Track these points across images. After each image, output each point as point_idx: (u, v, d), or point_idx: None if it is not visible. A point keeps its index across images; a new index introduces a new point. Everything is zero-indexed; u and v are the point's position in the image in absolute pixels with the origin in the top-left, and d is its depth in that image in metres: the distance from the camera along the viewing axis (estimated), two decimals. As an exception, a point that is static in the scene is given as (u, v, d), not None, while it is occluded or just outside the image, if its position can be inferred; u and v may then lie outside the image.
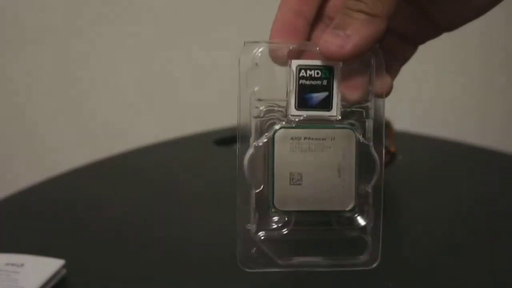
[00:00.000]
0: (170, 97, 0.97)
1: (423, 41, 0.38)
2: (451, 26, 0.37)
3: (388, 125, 0.58)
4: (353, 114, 0.35)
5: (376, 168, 0.34)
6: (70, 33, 0.94)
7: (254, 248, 0.35)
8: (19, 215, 0.56)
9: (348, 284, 0.44)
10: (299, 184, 0.34)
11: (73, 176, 0.65)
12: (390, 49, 0.37)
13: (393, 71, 0.37)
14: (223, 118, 0.82)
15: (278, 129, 0.34)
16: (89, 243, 0.50)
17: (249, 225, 0.35)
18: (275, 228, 0.35)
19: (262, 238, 0.35)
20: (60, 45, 0.94)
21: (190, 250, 0.49)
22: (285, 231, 0.35)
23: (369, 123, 0.35)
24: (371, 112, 0.35)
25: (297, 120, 0.34)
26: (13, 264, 0.43)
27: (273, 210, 0.35)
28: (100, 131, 0.98)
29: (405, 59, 0.38)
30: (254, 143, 0.34)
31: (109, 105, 0.98)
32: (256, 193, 0.35)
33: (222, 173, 0.65)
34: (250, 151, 0.34)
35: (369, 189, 0.35)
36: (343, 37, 0.31)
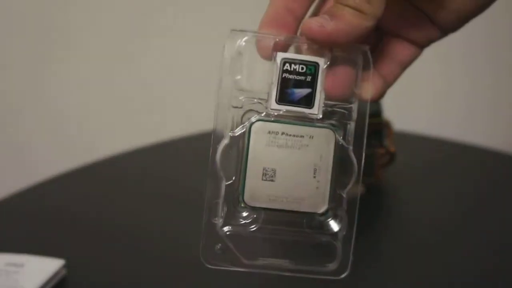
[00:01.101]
0: (170, 97, 0.97)
1: (425, 42, 0.37)
2: (451, 25, 0.36)
3: (388, 125, 0.58)
4: (335, 114, 0.33)
5: (354, 173, 0.33)
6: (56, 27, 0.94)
7: (219, 244, 0.34)
8: (19, 216, 0.56)
9: None
10: (272, 181, 0.33)
11: (73, 177, 0.65)
12: (388, 52, 0.37)
13: (391, 74, 0.37)
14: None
15: (255, 121, 0.33)
16: (89, 243, 0.50)
17: (216, 218, 0.33)
18: (242, 224, 0.33)
19: (228, 233, 0.33)
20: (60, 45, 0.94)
21: (190, 250, 0.49)
22: (252, 228, 0.33)
23: (351, 126, 0.33)
24: (354, 115, 0.33)
25: (276, 114, 0.32)
26: (13, 264, 0.43)
27: (242, 205, 0.33)
28: (99, 132, 0.98)
29: (406, 62, 0.37)
30: (230, 133, 0.33)
31: (108, 105, 0.98)
32: (226, 185, 0.33)
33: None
34: (225, 141, 0.33)
35: (344, 194, 0.33)
36: (327, 19, 0.31)
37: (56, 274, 0.43)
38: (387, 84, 0.36)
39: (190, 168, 0.67)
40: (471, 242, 0.49)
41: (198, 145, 0.76)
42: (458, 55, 0.89)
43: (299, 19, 0.34)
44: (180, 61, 0.95)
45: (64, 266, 0.44)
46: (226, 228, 0.33)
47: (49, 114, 0.99)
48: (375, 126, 0.56)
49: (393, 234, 0.52)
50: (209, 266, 0.34)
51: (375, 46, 0.36)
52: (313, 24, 0.31)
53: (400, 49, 0.37)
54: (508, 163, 0.66)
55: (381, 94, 0.36)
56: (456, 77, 0.91)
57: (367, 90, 0.34)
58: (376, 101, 0.35)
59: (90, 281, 0.45)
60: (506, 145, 0.79)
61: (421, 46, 0.37)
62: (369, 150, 0.56)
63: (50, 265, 0.43)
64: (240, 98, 0.33)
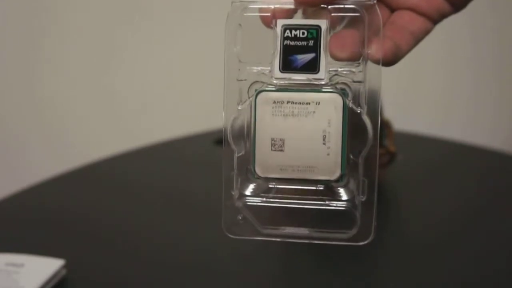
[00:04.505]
0: (169, 97, 0.97)
1: (436, 16, 0.36)
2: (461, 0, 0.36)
3: (388, 125, 0.58)
4: (343, 78, 0.32)
5: (368, 137, 0.31)
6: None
7: (241, 215, 0.34)
8: (19, 216, 0.56)
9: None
10: (281, 151, 0.32)
11: (73, 178, 0.65)
12: (400, 22, 0.35)
13: (403, 41, 0.35)
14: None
15: (260, 92, 0.32)
16: (89, 243, 0.50)
17: (233, 190, 0.34)
18: (256, 195, 0.33)
19: (245, 204, 0.33)
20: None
21: (189, 250, 0.49)
22: (267, 198, 0.33)
23: (362, 89, 0.32)
24: (364, 76, 0.31)
25: (281, 82, 0.32)
26: (13, 264, 0.43)
27: (255, 176, 0.33)
28: (100, 132, 0.98)
29: (418, 33, 0.36)
30: (238, 107, 0.33)
31: (108, 105, 0.98)
32: (238, 158, 0.33)
33: (222, 173, 0.65)
34: (233, 115, 0.33)
35: (359, 159, 0.32)
36: None
37: (56, 274, 0.43)
38: (399, 49, 0.34)
39: (190, 169, 0.67)
40: (471, 242, 0.49)
41: (198, 146, 0.76)
42: (459, 56, 0.89)
43: None
44: (179, 61, 0.95)
45: (64, 266, 0.44)
46: (243, 199, 0.33)
47: (48, 115, 0.99)
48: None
49: (393, 234, 0.52)
50: (231, 236, 0.34)
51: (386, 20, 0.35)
52: None
53: (412, 20, 0.36)
54: (509, 163, 0.66)
55: (393, 57, 0.33)
56: (456, 77, 0.91)
57: (377, 48, 0.32)
58: (388, 65, 0.33)
59: (90, 281, 0.45)
60: (507, 145, 0.79)
61: (433, 20, 0.36)
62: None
63: (50, 265, 0.43)
64: (245, 70, 0.32)
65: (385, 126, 0.58)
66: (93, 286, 0.45)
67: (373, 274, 0.45)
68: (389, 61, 0.33)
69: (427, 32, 0.36)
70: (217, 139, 0.76)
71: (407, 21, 0.36)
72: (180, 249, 0.49)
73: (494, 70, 0.90)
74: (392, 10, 0.36)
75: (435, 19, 0.36)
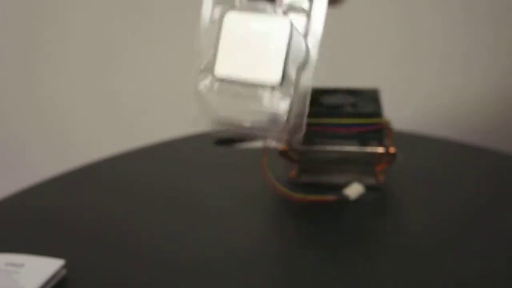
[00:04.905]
0: (169, 97, 0.97)
1: None
2: None
3: (388, 125, 0.58)
4: (292, 9, 0.39)
5: (308, 57, 0.39)
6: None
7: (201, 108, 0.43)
8: (19, 216, 0.56)
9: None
10: (235, 57, 0.40)
11: (73, 178, 0.65)
12: None
13: None
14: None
15: (229, 11, 0.40)
16: (89, 243, 0.50)
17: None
18: (208, 88, 0.42)
19: (202, 95, 0.43)
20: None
21: (189, 250, 0.49)
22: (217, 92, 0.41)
23: (308, 23, 0.39)
24: (308, 8, 0.39)
25: (245, 6, 0.40)
26: (13, 264, 0.43)
27: (212, 74, 0.41)
28: (100, 132, 0.98)
29: None
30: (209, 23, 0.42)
31: (108, 105, 0.98)
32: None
33: (222, 173, 0.65)
34: (205, 30, 0.42)
35: (294, 73, 0.39)
36: None
37: (56, 274, 0.43)
38: None
39: (190, 169, 0.67)
40: (471, 242, 0.49)
41: (198, 146, 0.76)
42: (458, 56, 0.89)
43: None
44: (179, 61, 0.95)
45: (64, 266, 0.44)
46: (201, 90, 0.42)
47: (48, 115, 0.99)
48: (375, 126, 0.56)
49: (393, 234, 0.52)
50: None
51: None
52: None
53: None
54: (509, 163, 0.66)
55: None
56: (457, 78, 0.91)
57: None
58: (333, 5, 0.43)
59: (90, 281, 0.45)
60: (508, 145, 0.79)
61: None
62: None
63: (50, 265, 0.44)
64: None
65: (385, 126, 0.58)
66: (93, 286, 0.45)
67: (373, 274, 0.45)
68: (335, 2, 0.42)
69: None
70: (217, 139, 0.76)
71: None
72: (180, 249, 0.49)
73: (494, 68, 0.90)
74: None
75: None
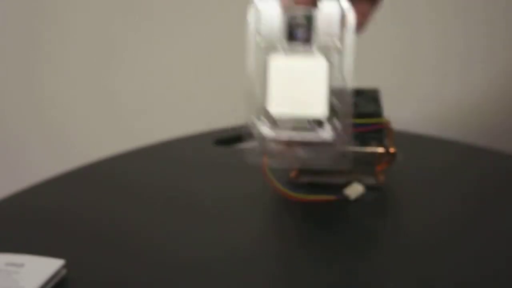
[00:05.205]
0: (169, 97, 0.97)
1: None
2: None
3: (387, 125, 0.58)
4: (326, 48, 0.45)
5: (346, 91, 0.45)
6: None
7: (258, 144, 0.46)
8: (19, 216, 0.56)
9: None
10: (285, 96, 0.44)
11: (73, 178, 0.65)
12: None
13: (364, 8, 0.48)
14: (222, 118, 0.82)
15: (272, 55, 0.45)
16: (89, 243, 0.50)
17: (253, 129, 0.45)
18: (268, 126, 0.45)
19: (264, 136, 0.45)
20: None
21: (189, 250, 0.49)
22: (276, 130, 0.45)
23: (341, 57, 0.45)
24: (340, 44, 0.45)
25: (286, 50, 0.45)
26: (13, 264, 0.43)
27: (266, 112, 0.45)
28: (100, 132, 0.98)
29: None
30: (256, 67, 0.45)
31: (108, 105, 0.98)
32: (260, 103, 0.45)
33: (222, 173, 0.65)
34: (254, 72, 0.45)
35: (336, 102, 0.45)
36: None
37: (56, 274, 0.43)
38: (364, 16, 0.48)
39: (190, 169, 0.67)
40: (471, 242, 0.49)
41: (198, 146, 0.76)
42: (458, 56, 0.89)
43: None
44: (179, 61, 0.95)
45: (64, 266, 0.44)
46: (261, 133, 0.45)
47: (48, 115, 0.99)
48: (375, 126, 0.56)
49: (393, 234, 0.52)
50: (250, 162, 0.46)
51: None
52: None
53: None
54: (509, 163, 0.66)
55: (362, 26, 0.48)
56: (457, 78, 0.91)
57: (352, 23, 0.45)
58: (359, 33, 0.47)
59: (90, 281, 0.45)
60: (507, 145, 0.79)
61: None
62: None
63: (50, 265, 0.44)
64: (262, 42, 0.45)
65: (385, 126, 0.58)
66: (93, 286, 0.45)
67: (373, 274, 0.45)
68: (359, 31, 0.47)
69: None
70: (217, 139, 0.76)
71: None
72: (180, 249, 0.49)
73: (494, 68, 0.90)
74: None
75: None
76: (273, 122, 0.45)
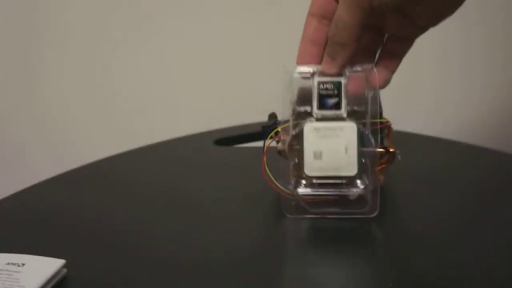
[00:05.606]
0: (169, 97, 0.97)
1: (413, 37, 0.51)
2: (430, 23, 0.49)
3: (387, 125, 0.58)
4: (355, 112, 0.50)
5: (372, 147, 0.50)
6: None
7: (294, 201, 0.52)
8: (19, 216, 0.56)
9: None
10: (320, 159, 0.50)
11: (73, 178, 0.65)
12: (389, 49, 0.52)
13: (393, 66, 0.52)
14: (223, 118, 0.82)
15: (307, 123, 0.50)
16: (89, 243, 0.50)
17: (289, 186, 0.51)
18: (305, 186, 0.51)
19: (298, 193, 0.51)
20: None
21: (189, 250, 0.49)
22: (312, 189, 0.51)
23: (367, 119, 0.50)
24: (367, 109, 0.50)
25: (319, 117, 0.50)
26: (14, 264, 0.43)
27: (304, 175, 0.50)
28: (100, 132, 0.98)
29: (403, 54, 0.52)
30: (292, 133, 0.51)
31: (108, 105, 0.98)
32: (293, 165, 0.51)
33: (222, 173, 0.65)
34: (289, 138, 0.51)
35: (366, 161, 0.50)
36: (331, 62, 0.49)
37: (56, 273, 0.43)
38: (392, 72, 0.52)
39: (190, 169, 0.67)
40: (471, 242, 0.49)
41: (198, 146, 0.76)
42: (457, 58, 0.89)
43: (323, 46, 0.50)
44: (179, 61, 0.95)
45: (65, 266, 0.44)
46: (297, 191, 0.51)
47: (48, 115, 0.99)
48: (375, 126, 0.56)
49: (393, 234, 0.52)
50: (289, 216, 0.53)
51: (379, 42, 0.52)
52: (325, 69, 0.50)
53: (397, 46, 0.52)
54: (509, 163, 0.66)
55: (388, 81, 0.52)
56: (456, 78, 0.91)
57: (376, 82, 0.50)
58: (384, 87, 0.52)
59: (90, 281, 0.45)
60: (508, 145, 0.79)
61: (412, 39, 0.51)
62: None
63: (50, 265, 0.44)
64: (294, 110, 0.51)
65: (385, 126, 0.58)
66: (93, 285, 0.45)
67: (373, 274, 0.45)
68: (385, 85, 0.52)
69: (409, 48, 0.52)
70: (217, 139, 0.76)
71: (396, 47, 0.52)
72: (180, 249, 0.49)
73: (494, 68, 0.90)
74: (383, 33, 0.51)
75: (414, 37, 0.51)
76: (311, 183, 0.50)
